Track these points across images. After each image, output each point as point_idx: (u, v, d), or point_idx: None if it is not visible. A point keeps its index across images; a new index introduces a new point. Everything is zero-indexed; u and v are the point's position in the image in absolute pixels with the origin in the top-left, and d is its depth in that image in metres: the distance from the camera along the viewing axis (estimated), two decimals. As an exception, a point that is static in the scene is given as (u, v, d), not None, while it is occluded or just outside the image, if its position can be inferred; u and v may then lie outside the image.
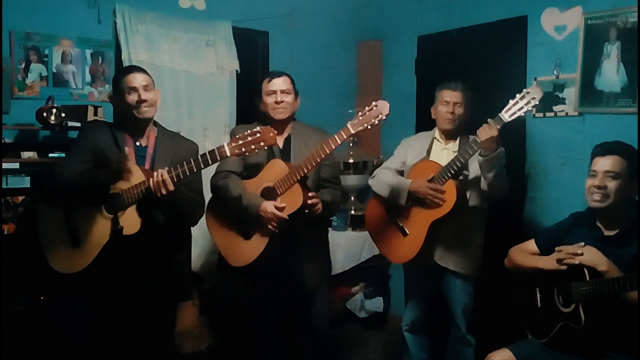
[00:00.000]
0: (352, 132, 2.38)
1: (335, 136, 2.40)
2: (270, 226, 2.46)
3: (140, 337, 2.43)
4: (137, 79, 2.36)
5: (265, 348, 2.87)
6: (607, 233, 2.19)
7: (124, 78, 2.37)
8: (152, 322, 2.44)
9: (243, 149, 2.27)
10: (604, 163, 2.16)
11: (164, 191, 2.23)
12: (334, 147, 2.41)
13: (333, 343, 2.91)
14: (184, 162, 2.28)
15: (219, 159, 2.29)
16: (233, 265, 2.59)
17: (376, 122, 2.35)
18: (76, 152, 2.38)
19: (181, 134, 2.72)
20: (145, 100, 2.36)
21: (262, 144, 2.27)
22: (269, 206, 2.45)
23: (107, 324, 2.40)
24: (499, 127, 2.40)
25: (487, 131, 2.41)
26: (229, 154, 2.27)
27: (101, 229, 2.28)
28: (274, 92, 2.61)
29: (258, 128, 2.28)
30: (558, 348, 2.21)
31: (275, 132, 2.32)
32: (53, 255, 2.33)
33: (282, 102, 2.61)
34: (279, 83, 2.63)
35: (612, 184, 2.13)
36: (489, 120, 2.43)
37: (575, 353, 2.17)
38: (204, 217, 2.70)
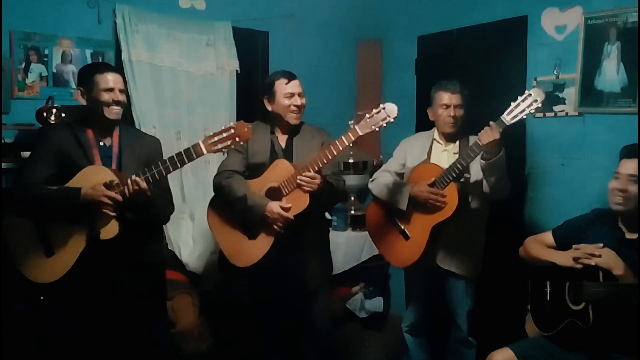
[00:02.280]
0: (360, 133, 2.40)
1: (343, 137, 2.41)
2: (276, 227, 2.46)
3: (134, 336, 2.42)
4: (114, 80, 2.32)
5: (265, 348, 2.87)
6: (628, 236, 2.16)
7: (99, 75, 2.31)
8: (145, 321, 2.43)
9: (218, 146, 2.24)
10: (629, 166, 2.14)
11: (141, 198, 2.22)
12: (341, 149, 2.42)
13: (333, 343, 2.91)
14: (159, 163, 2.24)
15: (194, 157, 2.26)
16: (237, 265, 2.57)
17: (384, 124, 2.36)
18: (39, 157, 2.31)
19: (180, 134, 2.71)
20: (120, 102, 2.33)
21: (237, 139, 2.24)
22: (275, 207, 2.45)
23: (96, 328, 2.37)
24: (500, 130, 2.39)
25: (489, 134, 2.40)
26: (205, 152, 2.25)
27: (77, 235, 2.24)
28: (293, 94, 2.59)
29: (231, 123, 2.27)
30: (561, 344, 2.20)
31: (249, 125, 2.28)
32: (26, 266, 2.28)
33: (301, 105, 2.61)
34: (296, 86, 2.62)
35: (633, 188, 2.11)
36: (491, 123, 2.42)
37: (579, 350, 2.16)
38: (204, 217, 2.70)
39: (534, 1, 3.19)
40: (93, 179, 2.21)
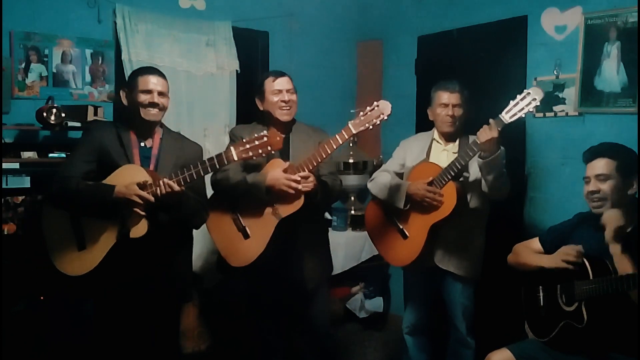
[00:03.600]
0: (354, 132, 2.40)
1: (337, 136, 2.42)
2: (289, 190, 2.42)
3: (143, 338, 2.42)
4: (154, 82, 2.36)
5: (265, 348, 2.87)
6: None
7: (141, 77, 2.36)
8: (156, 324, 2.44)
9: (250, 153, 2.25)
10: (593, 167, 2.18)
11: (172, 200, 2.24)
12: (335, 147, 2.42)
13: (333, 343, 2.91)
14: (191, 166, 2.27)
15: (226, 163, 2.28)
16: (233, 265, 2.58)
17: (377, 122, 2.36)
18: (81, 152, 2.37)
19: (182, 134, 2.71)
20: (157, 104, 2.36)
21: (269, 148, 2.26)
22: (277, 174, 2.43)
23: (110, 326, 2.39)
24: (499, 128, 2.40)
25: (487, 133, 2.40)
26: (236, 158, 2.26)
27: (108, 232, 2.27)
28: (280, 91, 2.61)
29: (265, 132, 2.27)
30: (560, 347, 2.20)
31: (283, 136, 2.32)
32: (59, 257, 2.32)
33: (289, 100, 2.61)
34: (284, 82, 2.63)
35: (605, 186, 2.14)
36: (490, 121, 2.43)
37: (577, 353, 2.16)
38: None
39: (534, 1, 3.19)
40: (128, 177, 2.25)
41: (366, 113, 2.38)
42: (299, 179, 2.42)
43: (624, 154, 2.19)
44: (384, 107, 2.36)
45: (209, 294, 3.45)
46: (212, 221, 2.66)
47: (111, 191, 2.22)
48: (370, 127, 2.38)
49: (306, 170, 2.45)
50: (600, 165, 2.16)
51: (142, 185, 2.22)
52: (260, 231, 2.52)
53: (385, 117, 2.36)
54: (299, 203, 2.46)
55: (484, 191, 2.60)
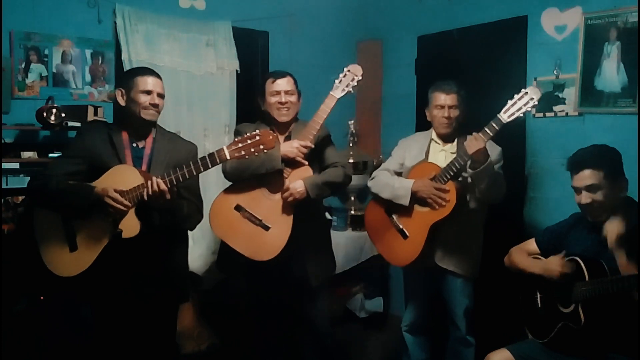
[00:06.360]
0: (337, 97, 2.62)
1: (322, 106, 2.60)
2: (298, 158, 2.55)
3: (141, 339, 2.42)
4: (154, 83, 2.37)
5: (265, 347, 2.87)
6: None
7: (139, 77, 2.35)
8: (153, 324, 2.44)
9: (243, 152, 2.26)
10: (580, 178, 2.16)
11: (161, 200, 2.24)
12: (325, 116, 2.59)
13: (334, 342, 2.91)
14: (183, 165, 2.26)
15: (218, 162, 2.28)
16: (265, 259, 2.54)
17: (355, 84, 2.64)
18: (68, 153, 2.38)
19: (180, 134, 2.71)
20: (156, 105, 2.37)
21: (261, 147, 2.26)
22: (291, 142, 2.56)
23: (107, 326, 2.39)
24: (497, 128, 2.41)
25: (474, 144, 2.42)
26: (229, 158, 2.27)
27: (100, 232, 2.27)
28: (278, 92, 2.64)
29: (257, 131, 2.28)
30: (558, 349, 2.21)
31: (275, 135, 2.34)
32: (50, 258, 2.32)
33: (287, 102, 2.64)
34: (283, 84, 2.65)
35: (597, 196, 2.13)
36: (473, 133, 2.44)
37: (576, 354, 2.16)
38: (204, 218, 2.69)
39: (534, 1, 3.19)
40: (120, 178, 2.25)
41: (340, 80, 2.64)
42: (311, 145, 2.57)
43: (608, 159, 2.16)
44: (356, 70, 2.65)
45: (209, 294, 3.44)
46: (223, 229, 2.63)
47: (91, 191, 2.22)
48: (351, 90, 2.65)
49: (308, 144, 2.57)
50: (588, 177, 2.14)
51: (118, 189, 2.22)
52: (280, 218, 2.54)
53: (360, 78, 2.64)
54: (307, 174, 2.57)
55: (477, 197, 2.60)
